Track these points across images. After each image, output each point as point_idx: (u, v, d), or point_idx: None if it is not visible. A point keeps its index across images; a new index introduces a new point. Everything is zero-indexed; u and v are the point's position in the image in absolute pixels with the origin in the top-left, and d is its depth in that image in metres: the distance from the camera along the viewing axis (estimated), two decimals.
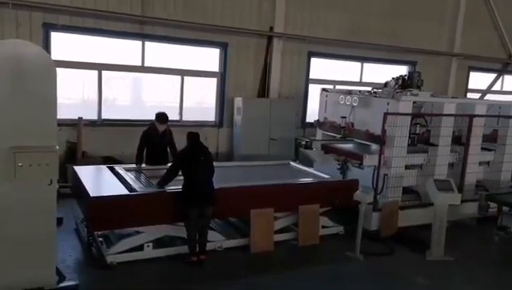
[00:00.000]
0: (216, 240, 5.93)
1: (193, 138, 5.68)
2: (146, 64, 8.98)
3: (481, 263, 6.23)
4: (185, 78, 9.43)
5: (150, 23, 8.69)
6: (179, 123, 9.27)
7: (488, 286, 5.49)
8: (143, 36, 8.78)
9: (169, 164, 6.10)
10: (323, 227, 6.67)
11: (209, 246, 5.75)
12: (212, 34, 9.23)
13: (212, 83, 9.78)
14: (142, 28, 8.68)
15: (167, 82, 9.40)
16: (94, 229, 5.43)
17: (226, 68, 9.62)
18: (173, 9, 8.79)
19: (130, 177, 5.99)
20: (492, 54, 13.15)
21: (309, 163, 8.12)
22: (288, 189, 6.35)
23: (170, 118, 8.54)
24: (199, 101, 10.03)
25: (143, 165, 6.76)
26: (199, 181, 5.45)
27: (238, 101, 9.43)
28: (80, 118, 8.24)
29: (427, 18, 11.82)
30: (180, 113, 9.46)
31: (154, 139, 6.83)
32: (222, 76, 9.70)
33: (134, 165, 6.73)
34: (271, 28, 9.82)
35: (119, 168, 6.42)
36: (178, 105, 9.44)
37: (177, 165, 5.65)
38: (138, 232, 5.50)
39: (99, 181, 6.11)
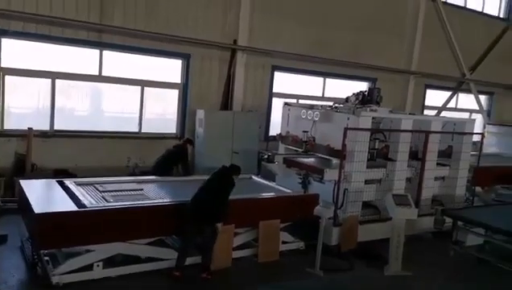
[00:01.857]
0: (173, 257, 5.69)
1: (234, 170, 5.94)
2: (103, 74, 8.68)
3: (437, 277, 6.31)
4: (146, 89, 9.20)
5: (108, 32, 8.43)
6: (138, 135, 9.01)
7: None
8: (101, 45, 8.49)
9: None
10: (283, 243, 6.57)
11: (166, 264, 5.55)
12: (175, 45, 9.07)
13: (174, 94, 9.58)
14: (101, 36, 8.41)
15: (127, 93, 9.13)
16: (39, 247, 5.10)
17: (188, 79, 9.46)
18: (134, 18, 8.58)
19: (80, 192, 5.68)
20: (447, 73, 13.70)
21: (272, 176, 8.06)
22: (249, 204, 6.22)
23: (128, 130, 8.46)
24: (160, 113, 9.81)
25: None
26: (197, 198, 5.48)
27: (200, 113, 9.27)
28: (29, 129, 7.82)
29: (387, 37, 12.18)
30: (140, 125, 9.18)
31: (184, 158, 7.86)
32: (184, 88, 9.53)
33: (85, 179, 6.44)
34: (235, 41, 9.78)
35: (69, 182, 6.08)
36: (137, 116, 9.17)
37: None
38: (88, 250, 5.20)
39: (46, 196, 5.75)
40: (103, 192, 5.92)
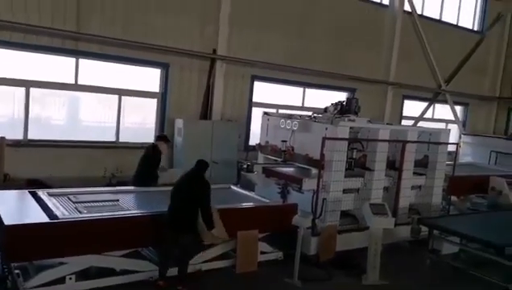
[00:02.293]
0: (149, 270, 5.59)
1: (201, 165, 5.74)
2: (80, 82, 8.56)
3: (413, 286, 6.37)
4: (125, 98, 9.10)
5: (85, 40, 8.33)
6: (116, 144, 8.87)
7: None
8: (77, 53, 8.39)
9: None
10: (262, 253, 6.52)
11: (142, 277, 5.46)
12: (153, 53, 9.03)
13: (153, 103, 9.50)
14: (77, 45, 8.30)
15: (106, 102, 9.01)
16: (9, 260, 4.93)
17: (167, 88, 9.40)
18: (111, 26, 8.52)
19: (53, 203, 5.53)
20: (424, 84, 14.00)
21: (251, 186, 8.03)
22: (227, 214, 6.15)
23: (105, 140, 8.26)
24: (139, 122, 9.70)
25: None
26: (175, 208, 5.39)
27: (179, 123, 9.21)
28: (1, 138, 7.62)
29: (365, 48, 12.39)
30: (117, 134, 9.05)
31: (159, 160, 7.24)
32: (163, 97, 9.46)
33: (59, 190, 6.29)
34: (214, 51, 9.79)
35: (42, 193, 5.92)
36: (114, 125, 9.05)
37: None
38: (61, 263, 5.05)
39: (17, 207, 5.58)
40: (77, 203, 5.77)
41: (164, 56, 9.17)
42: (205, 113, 9.84)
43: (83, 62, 8.55)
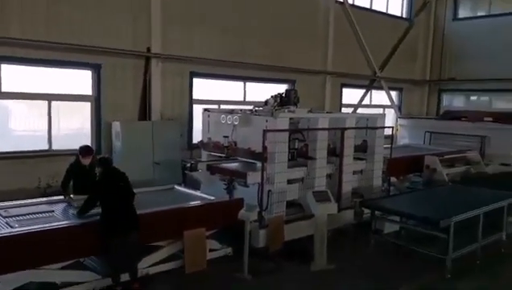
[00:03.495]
0: (89, 280, 5.36)
1: (107, 163, 5.59)
2: (3, 90, 7.98)
3: (359, 266, 6.60)
4: (58, 103, 8.61)
5: (5, 44, 7.75)
6: (49, 153, 8.39)
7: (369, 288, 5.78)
8: None
9: None
10: (210, 250, 6.45)
11: (85, 287, 5.26)
12: (82, 54, 8.58)
13: (87, 107, 9.08)
14: None
15: (38, 108, 8.47)
16: None
17: (101, 90, 9.01)
18: (32, 28, 7.99)
19: None
20: (360, 71, 14.49)
21: (197, 185, 7.92)
22: (170, 215, 6.03)
23: (37, 148, 7.71)
24: (77, 128, 9.23)
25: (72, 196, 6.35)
26: (121, 208, 5.29)
27: (116, 126, 8.86)
28: None
29: (302, 40, 12.56)
30: (49, 142, 8.56)
31: (81, 173, 6.45)
32: (97, 100, 9.05)
33: None
34: (148, 49, 9.50)
35: None
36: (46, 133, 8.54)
37: (96, 194, 5.39)
38: None
39: None
40: (7, 217, 5.41)
41: (94, 57, 8.75)
42: (144, 114, 9.54)
43: (5, 68, 7.97)
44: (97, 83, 8.99)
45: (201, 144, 8.35)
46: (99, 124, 9.08)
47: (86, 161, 6.46)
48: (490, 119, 11.96)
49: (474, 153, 10.90)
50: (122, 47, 9.08)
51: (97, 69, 8.94)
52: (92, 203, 5.38)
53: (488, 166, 10.86)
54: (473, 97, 16.76)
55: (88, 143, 8.97)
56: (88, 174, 6.39)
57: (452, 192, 8.22)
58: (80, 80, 8.97)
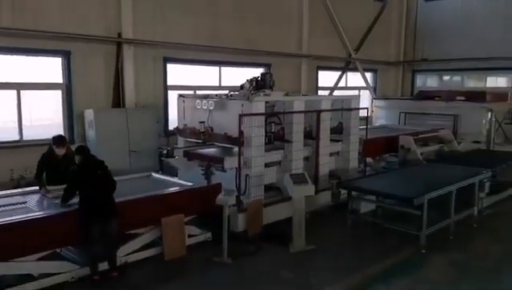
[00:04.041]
0: (67, 270, 5.29)
1: (84, 151, 5.54)
2: None
3: (337, 245, 6.73)
4: (29, 93, 8.35)
5: None
6: (20, 143, 8.17)
7: (347, 268, 5.88)
8: None
9: None
10: (190, 236, 6.45)
11: (62, 278, 5.19)
12: (50, 41, 8.33)
13: (58, 96, 8.83)
14: None
15: (5, 98, 8.21)
16: None
17: (72, 78, 8.77)
18: None
19: None
20: (335, 54, 14.53)
21: (174, 172, 7.86)
22: (147, 203, 5.98)
23: (7, 139, 7.49)
24: (50, 117, 8.99)
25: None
26: (99, 196, 5.29)
27: (89, 114, 8.68)
28: None
29: (277, 23, 12.51)
30: (20, 133, 8.33)
31: (55, 163, 6.28)
32: (68, 88, 8.82)
33: None
34: (119, 34, 9.27)
35: None
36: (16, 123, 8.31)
37: (75, 183, 5.35)
38: None
39: None
40: None
41: (63, 44, 8.51)
42: (118, 102, 9.37)
43: None
44: (68, 70, 8.77)
45: (177, 130, 8.26)
46: (71, 113, 8.88)
47: (60, 151, 6.31)
48: (462, 98, 12.22)
49: (447, 132, 11.15)
50: (92, 33, 8.85)
51: (66, 56, 8.70)
52: (71, 191, 5.36)
53: (460, 144, 11.14)
54: (446, 77, 17.07)
55: (61, 133, 8.83)
56: (61, 164, 6.25)
57: (426, 171, 8.41)
58: (51, 69, 8.71)
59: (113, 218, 5.37)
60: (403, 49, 17.33)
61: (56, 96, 8.86)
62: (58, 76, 8.82)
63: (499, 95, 13.20)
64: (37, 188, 6.22)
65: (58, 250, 5.45)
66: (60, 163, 6.29)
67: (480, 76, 16.11)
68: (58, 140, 6.38)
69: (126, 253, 5.78)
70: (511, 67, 14.75)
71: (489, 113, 11.53)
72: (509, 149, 11.97)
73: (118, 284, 5.36)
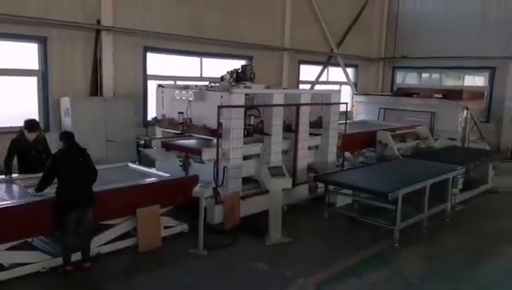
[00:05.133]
0: (39, 260, 5.21)
1: (68, 137, 5.42)
2: None
3: (313, 238, 6.80)
4: None
5: None
6: None
7: (322, 261, 5.94)
8: None
9: None
10: (166, 227, 6.42)
11: (34, 268, 5.13)
12: (25, 26, 8.07)
13: (33, 83, 8.60)
14: None
15: None
16: None
17: (48, 65, 8.55)
18: None
19: None
20: (317, 48, 14.55)
21: (152, 163, 7.79)
22: (123, 193, 5.91)
23: None
24: (19, 105, 8.74)
25: (14, 176, 6.06)
26: (77, 184, 5.22)
27: (66, 102, 8.49)
28: None
29: (260, 15, 12.44)
30: None
31: (25, 148, 6.21)
32: (43, 75, 8.60)
33: None
34: (98, 21, 9.07)
35: None
36: None
37: (53, 168, 5.22)
38: None
39: None
40: None
41: (39, 29, 8.26)
42: (96, 90, 9.17)
43: None
44: (44, 57, 8.52)
45: (156, 121, 8.17)
46: (47, 100, 8.66)
47: (31, 136, 6.20)
48: (440, 96, 12.43)
49: (424, 128, 11.35)
50: (70, 19, 8.61)
51: (42, 42, 8.45)
52: (49, 179, 5.26)
53: (436, 141, 11.36)
54: (425, 75, 17.32)
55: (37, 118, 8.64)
56: (32, 149, 6.15)
57: (402, 166, 8.55)
58: (27, 55, 8.47)
59: (90, 208, 5.30)
60: (384, 46, 17.47)
61: (32, 83, 8.62)
62: (34, 63, 8.58)
63: (475, 94, 13.50)
64: (2, 177, 6.08)
65: (29, 240, 5.35)
66: (30, 147, 6.18)
67: (457, 74, 16.41)
68: (30, 124, 6.26)
69: (100, 244, 5.72)
70: (488, 66, 15.08)
71: (465, 112, 11.79)
72: (483, 147, 12.32)
73: (91, 275, 5.31)
